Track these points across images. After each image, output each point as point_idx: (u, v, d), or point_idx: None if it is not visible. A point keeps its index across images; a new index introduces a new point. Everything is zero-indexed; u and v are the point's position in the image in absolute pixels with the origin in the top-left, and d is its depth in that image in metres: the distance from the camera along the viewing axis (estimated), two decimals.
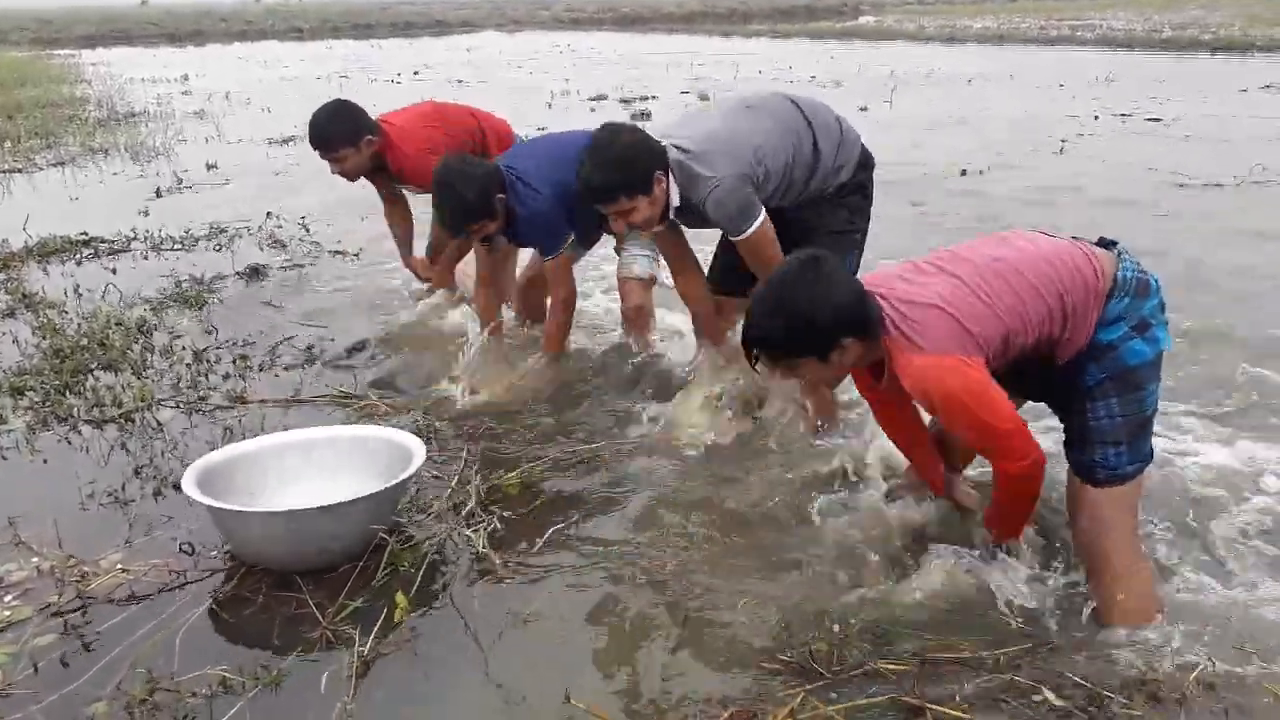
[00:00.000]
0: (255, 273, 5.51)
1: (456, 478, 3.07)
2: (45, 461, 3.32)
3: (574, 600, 2.53)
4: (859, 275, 2.74)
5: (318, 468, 2.95)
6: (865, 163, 3.28)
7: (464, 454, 3.23)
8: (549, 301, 3.86)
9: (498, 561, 2.65)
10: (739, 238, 3.08)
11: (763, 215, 3.05)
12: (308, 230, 6.49)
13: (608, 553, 2.74)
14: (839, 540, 2.73)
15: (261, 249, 6.14)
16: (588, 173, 3.02)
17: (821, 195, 3.23)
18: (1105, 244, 2.30)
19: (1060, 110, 11.37)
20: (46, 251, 6.02)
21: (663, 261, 3.77)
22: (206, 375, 4.05)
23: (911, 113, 11.58)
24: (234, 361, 4.18)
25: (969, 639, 2.29)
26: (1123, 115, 10.83)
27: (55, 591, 2.53)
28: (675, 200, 3.09)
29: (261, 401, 3.73)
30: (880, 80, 15.31)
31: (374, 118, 4.16)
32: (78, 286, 5.25)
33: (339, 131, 4.01)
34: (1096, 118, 10.74)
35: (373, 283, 5.33)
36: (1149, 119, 10.49)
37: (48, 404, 3.72)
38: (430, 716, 2.17)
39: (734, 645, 2.33)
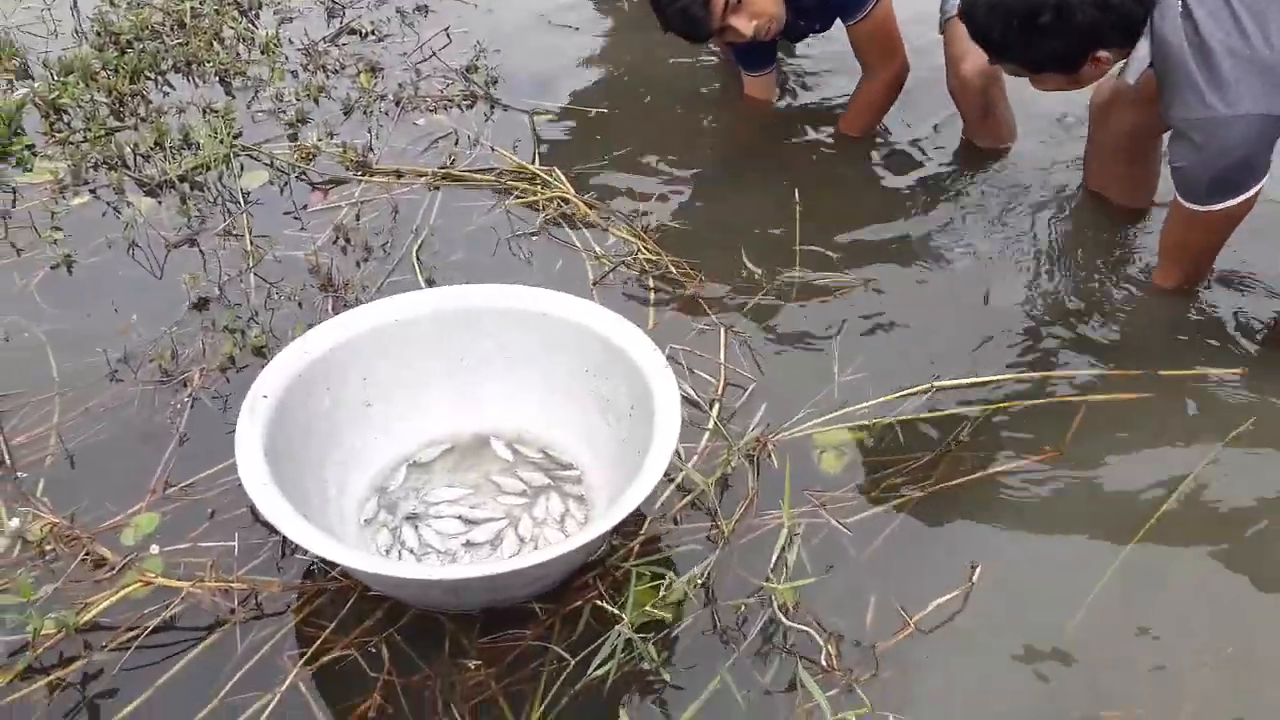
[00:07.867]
0: None
1: (714, 410, 1.73)
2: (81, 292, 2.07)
3: None
4: None
5: (474, 361, 1.65)
6: None
7: (725, 344, 1.86)
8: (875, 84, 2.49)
9: (828, 652, 1.38)
10: (1193, 207, 1.88)
11: (1256, 187, 1.82)
12: None
13: (1007, 635, 1.44)
14: None
15: None
16: None
17: None
18: None
19: None
20: None
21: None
22: (317, 101, 2.67)
23: None
24: (360, 75, 2.75)
25: None
26: None
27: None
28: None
29: (396, 174, 2.36)
30: None
31: None
32: None
33: None
34: None
35: None
36: None
37: (88, 138, 2.46)
38: None
39: None
